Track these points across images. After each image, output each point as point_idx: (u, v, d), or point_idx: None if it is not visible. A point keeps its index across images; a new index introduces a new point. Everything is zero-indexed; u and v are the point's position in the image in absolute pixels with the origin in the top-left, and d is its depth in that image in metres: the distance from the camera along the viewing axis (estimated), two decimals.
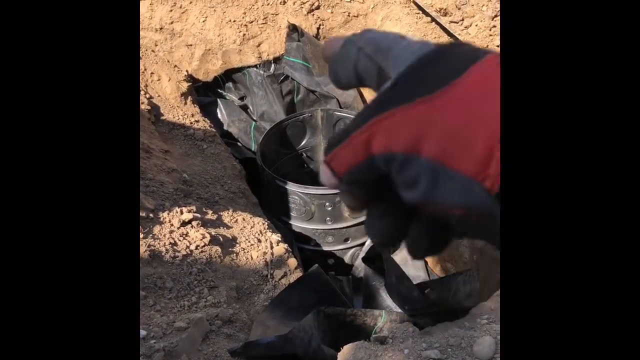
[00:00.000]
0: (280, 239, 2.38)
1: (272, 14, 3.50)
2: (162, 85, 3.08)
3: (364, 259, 2.46)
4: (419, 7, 3.35)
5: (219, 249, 2.06)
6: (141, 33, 3.33)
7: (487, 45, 2.86)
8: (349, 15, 3.63)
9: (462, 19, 3.09)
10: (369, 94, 3.63)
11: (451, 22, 3.10)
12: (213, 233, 2.12)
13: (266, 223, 2.48)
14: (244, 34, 3.42)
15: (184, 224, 2.07)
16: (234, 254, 2.14)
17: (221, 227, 2.25)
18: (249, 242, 2.26)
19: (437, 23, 3.22)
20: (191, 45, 3.37)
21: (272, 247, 2.28)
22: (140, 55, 3.13)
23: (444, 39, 3.17)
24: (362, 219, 3.05)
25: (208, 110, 3.36)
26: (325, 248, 3.17)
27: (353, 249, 3.22)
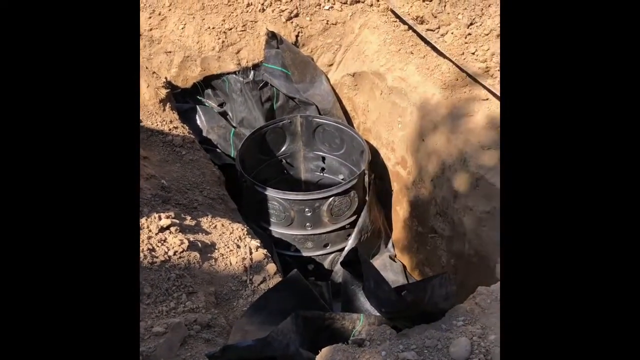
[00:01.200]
0: (259, 245, 2.38)
1: (251, 22, 3.52)
2: (140, 91, 3.07)
3: (342, 263, 2.47)
4: (396, 16, 3.40)
5: (198, 255, 2.06)
6: None
7: (463, 53, 2.92)
8: (327, 23, 3.66)
9: (439, 27, 3.15)
10: (347, 102, 3.66)
11: (427, 30, 3.15)
12: (192, 239, 2.12)
13: (245, 229, 2.49)
14: (223, 41, 3.43)
15: (162, 229, 2.07)
16: (213, 260, 2.14)
17: (200, 233, 2.25)
18: (228, 247, 2.26)
19: (414, 31, 3.27)
20: (170, 52, 3.37)
21: (251, 253, 2.29)
22: None
23: (420, 46, 3.22)
24: (342, 224, 3.08)
25: (187, 117, 3.35)
26: (305, 254, 3.19)
27: (332, 255, 3.24)
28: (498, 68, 2.69)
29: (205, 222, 2.37)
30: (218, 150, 3.44)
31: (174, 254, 1.99)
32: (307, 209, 2.97)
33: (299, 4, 3.61)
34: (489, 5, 2.97)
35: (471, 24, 2.98)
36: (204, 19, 3.42)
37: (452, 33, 3.01)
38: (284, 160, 3.63)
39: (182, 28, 3.41)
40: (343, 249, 3.18)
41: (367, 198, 3.15)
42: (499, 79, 2.62)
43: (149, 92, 3.07)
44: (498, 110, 2.66)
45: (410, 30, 3.33)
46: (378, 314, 1.87)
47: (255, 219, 3.06)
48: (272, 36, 3.47)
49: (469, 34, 2.95)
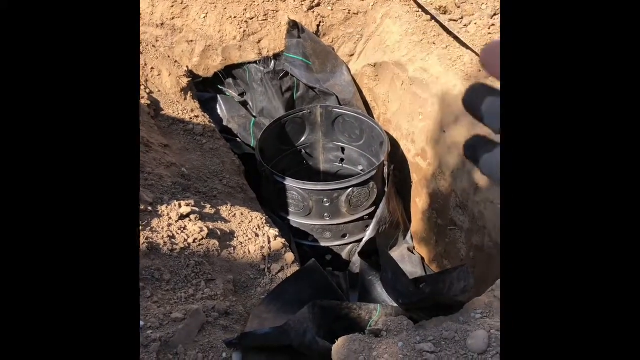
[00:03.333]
0: (277, 234, 2.39)
1: (273, 11, 3.51)
2: (162, 80, 3.09)
3: (360, 254, 2.47)
4: (419, 5, 3.36)
5: (217, 243, 2.08)
6: (142, 28, 3.35)
7: (486, 44, 2.86)
8: (349, 13, 3.64)
9: (462, 17, 3.10)
10: (368, 92, 3.64)
11: (450, 20, 3.11)
12: (211, 227, 2.13)
13: (264, 218, 2.50)
14: (245, 31, 3.43)
15: (182, 217, 2.09)
16: (232, 248, 2.16)
17: (219, 221, 2.27)
18: (247, 236, 2.27)
19: (437, 21, 3.23)
20: (192, 41, 3.38)
21: (269, 242, 2.30)
22: (141, 50, 3.14)
23: (443, 36, 3.18)
24: (360, 214, 3.07)
25: (208, 106, 3.37)
26: (323, 244, 3.19)
27: (351, 245, 3.24)
28: None
29: (224, 210, 2.39)
30: (238, 139, 3.45)
31: (194, 242, 2.01)
32: (325, 199, 2.97)
33: None
34: None
35: (495, 14, 2.92)
36: (225, 8, 3.42)
37: (475, 23, 2.96)
38: (303, 151, 3.63)
39: (204, 17, 3.42)
40: (361, 239, 3.17)
41: (386, 189, 3.13)
42: None
43: (171, 81, 3.10)
44: None
45: (433, 21, 3.28)
46: (395, 304, 1.87)
47: (274, 208, 3.07)
48: (293, 25, 3.46)
49: (493, 25, 2.90)
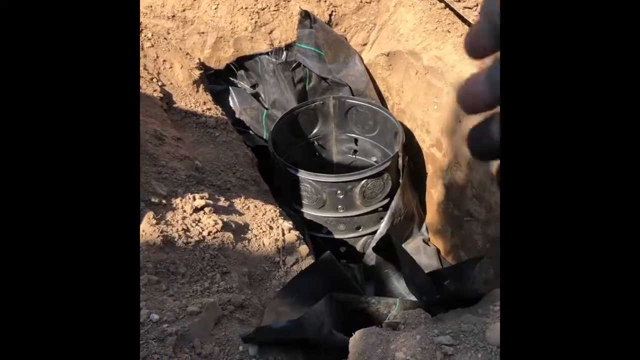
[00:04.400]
0: (291, 226, 2.38)
1: (284, 1, 3.48)
2: (174, 72, 3.08)
3: (374, 249, 2.45)
4: None
5: (231, 236, 2.07)
6: (153, 21, 3.33)
7: None
8: (361, 1, 3.59)
9: (476, 4, 3.05)
10: (381, 82, 3.60)
11: (465, 7, 3.06)
12: (225, 219, 2.12)
13: (278, 210, 2.48)
14: (256, 21, 3.40)
15: (196, 210, 2.08)
16: (246, 241, 2.15)
17: (233, 214, 2.26)
18: (261, 229, 2.26)
19: (451, 9, 3.17)
20: (203, 32, 3.36)
21: (283, 234, 2.28)
22: (153, 43, 3.13)
23: (458, 24, 3.12)
24: (375, 206, 3.05)
25: (220, 98, 3.36)
26: (337, 236, 3.17)
27: (365, 237, 3.21)
28: None
29: (238, 203, 2.37)
30: (251, 132, 3.43)
31: (208, 234, 2.00)
32: (339, 192, 2.95)
33: None
34: None
35: None
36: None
37: None
38: (316, 142, 3.61)
39: (215, 8, 3.39)
40: (375, 231, 3.15)
41: (400, 181, 3.10)
42: None
43: (183, 74, 3.08)
44: None
45: (447, 8, 3.23)
46: (413, 298, 1.85)
47: (288, 201, 3.05)
48: (305, 15, 3.42)
49: None
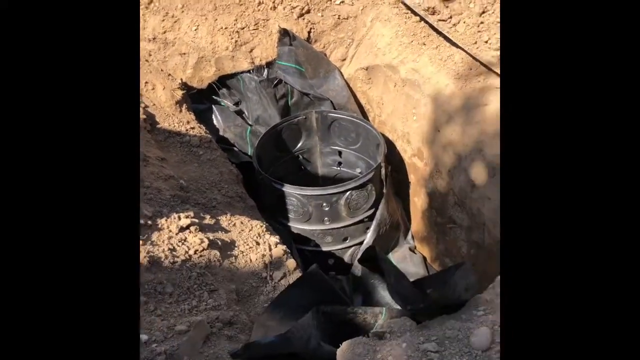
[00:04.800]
0: (278, 241, 2.40)
1: (263, 20, 3.54)
2: (157, 94, 3.11)
3: (360, 260, 2.48)
4: (408, 7, 3.38)
5: (218, 253, 2.09)
6: None
7: (476, 42, 2.89)
8: (339, 18, 3.66)
9: (451, 17, 3.12)
10: (361, 96, 3.66)
11: (439, 20, 3.13)
12: (211, 237, 2.15)
13: (264, 225, 2.51)
14: (236, 41, 3.45)
15: (182, 229, 2.10)
16: (233, 257, 2.17)
17: (219, 231, 2.28)
18: (248, 245, 2.28)
19: (426, 22, 3.25)
20: (184, 53, 3.40)
21: (270, 249, 2.31)
22: None
23: (433, 37, 3.20)
24: (360, 217, 3.08)
25: (203, 117, 3.39)
26: (325, 248, 3.20)
27: (352, 248, 3.25)
28: None
29: (224, 220, 2.40)
30: (235, 148, 3.47)
31: (195, 253, 2.02)
32: (324, 204, 2.98)
33: (310, 1, 3.61)
34: None
35: (483, 12, 2.94)
36: (216, 20, 3.45)
37: (464, 22, 2.98)
38: (300, 156, 3.65)
39: (195, 29, 3.44)
40: (362, 242, 3.19)
41: (384, 191, 3.15)
42: None
43: (165, 94, 3.11)
44: None
45: (422, 22, 3.30)
46: (399, 307, 1.88)
47: (274, 215, 3.08)
48: (284, 33, 3.48)
49: (482, 23, 2.92)
